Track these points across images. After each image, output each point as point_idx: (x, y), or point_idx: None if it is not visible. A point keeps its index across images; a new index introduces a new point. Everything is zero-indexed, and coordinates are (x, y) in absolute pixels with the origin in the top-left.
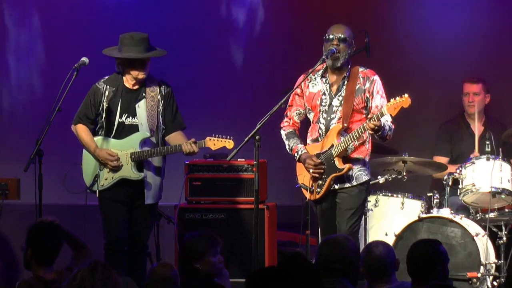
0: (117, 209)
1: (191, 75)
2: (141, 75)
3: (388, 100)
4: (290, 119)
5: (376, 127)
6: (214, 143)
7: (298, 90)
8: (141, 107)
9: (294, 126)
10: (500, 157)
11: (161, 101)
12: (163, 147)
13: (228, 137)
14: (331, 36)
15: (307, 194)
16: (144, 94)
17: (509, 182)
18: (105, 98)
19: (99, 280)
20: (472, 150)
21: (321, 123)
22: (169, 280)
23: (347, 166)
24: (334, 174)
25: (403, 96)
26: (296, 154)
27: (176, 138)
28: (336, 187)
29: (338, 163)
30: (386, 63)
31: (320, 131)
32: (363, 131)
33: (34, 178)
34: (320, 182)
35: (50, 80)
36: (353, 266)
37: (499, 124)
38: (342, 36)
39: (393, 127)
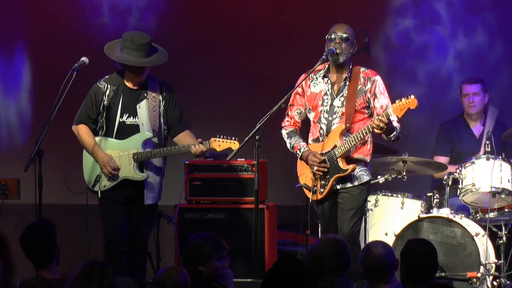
0: (117, 209)
1: (191, 74)
2: (137, 79)
3: (394, 101)
4: (291, 118)
5: (382, 125)
6: (219, 144)
7: (299, 90)
8: (143, 107)
9: (295, 126)
10: (500, 157)
11: (162, 102)
12: (166, 148)
13: (233, 137)
14: (333, 36)
15: (309, 195)
16: (145, 95)
17: (509, 182)
18: (106, 97)
19: (95, 280)
20: (472, 150)
21: (322, 123)
22: (181, 285)
23: (351, 166)
24: (337, 175)
25: (409, 97)
26: (298, 152)
27: (184, 138)
28: (338, 187)
29: (342, 163)
30: (386, 63)
31: (321, 131)
32: (367, 133)
33: (34, 178)
34: (323, 182)
35: (50, 80)
36: (350, 266)
37: (499, 124)
38: (344, 35)
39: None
